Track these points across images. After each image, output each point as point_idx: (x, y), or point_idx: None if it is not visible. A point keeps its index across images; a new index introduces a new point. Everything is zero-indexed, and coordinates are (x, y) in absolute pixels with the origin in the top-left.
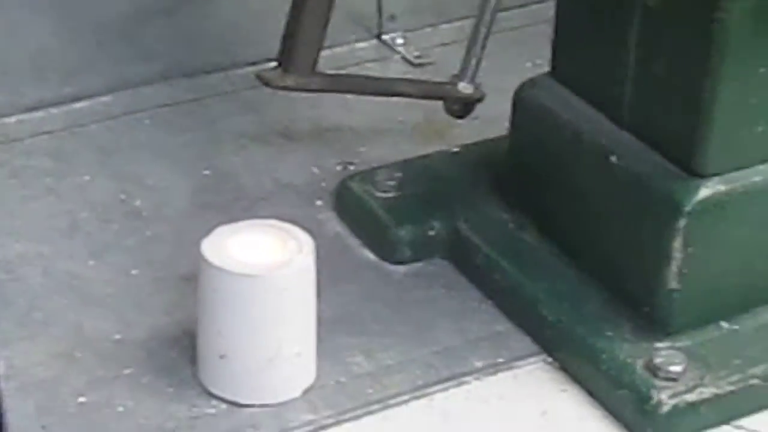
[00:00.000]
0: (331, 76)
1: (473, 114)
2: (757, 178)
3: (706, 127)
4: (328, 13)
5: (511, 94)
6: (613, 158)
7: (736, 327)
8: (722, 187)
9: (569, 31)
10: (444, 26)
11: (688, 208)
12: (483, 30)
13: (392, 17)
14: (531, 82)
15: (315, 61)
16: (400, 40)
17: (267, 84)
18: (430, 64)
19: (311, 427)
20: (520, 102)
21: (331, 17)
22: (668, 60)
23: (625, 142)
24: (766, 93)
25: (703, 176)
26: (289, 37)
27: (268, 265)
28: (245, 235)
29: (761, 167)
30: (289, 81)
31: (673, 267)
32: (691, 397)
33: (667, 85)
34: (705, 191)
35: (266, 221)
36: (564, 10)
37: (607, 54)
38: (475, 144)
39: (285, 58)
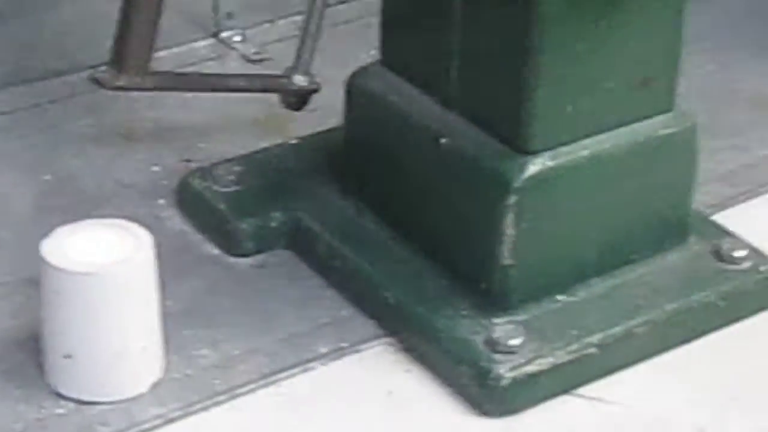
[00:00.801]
0: (166, 74)
1: (312, 106)
2: (583, 153)
3: (530, 104)
4: (158, 13)
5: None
6: (443, 140)
7: (572, 299)
8: (550, 163)
9: (395, 19)
10: (281, 22)
11: (517, 185)
12: (314, 23)
13: (229, 15)
14: (361, 71)
15: (148, 61)
16: (237, 38)
17: (101, 85)
18: (268, 59)
19: (160, 421)
20: (351, 90)
21: (161, 17)
22: (490, 41)
23: (454, 124)
24: (586, 69)
25: (530, 153)
26: (120, 37)
27: (106, 263)
28: (84, 235)
29: (587, 141)
30: (123, 81)
31: (506, 243)
32: (530, 368)
33: (490, 65)
34: (533, 168)
35: (104, 220)
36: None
37: (432, 39)
38: (314, 135)
39: (117, 59)
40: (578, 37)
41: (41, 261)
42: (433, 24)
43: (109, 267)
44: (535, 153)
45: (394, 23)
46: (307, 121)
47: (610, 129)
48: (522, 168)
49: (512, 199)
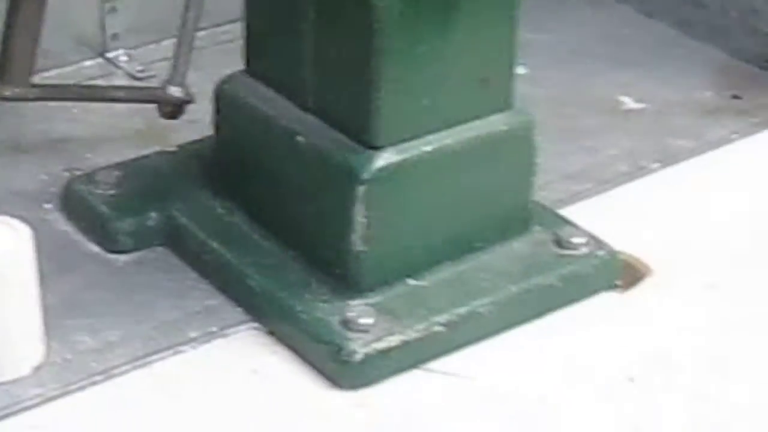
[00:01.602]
0: (48, 86)
1: (192, 117)
2: (427, 148)
3: (375, 104)
4: (39, 28)
5: None
6: (300, 138)
7: (422, 282)
8: (395, 157)
9: (256, 31)
10: (165, 42)
11: (365, 177)
12: (186, 38)
13: (115, 36)
14: (228, 78)
15: (30, 73)
16: (124, 58)
17: None
18: (152, 77)
19: (39, 399)
20: (218, 97)
21: (41, 32)
22: (338, 48)
23: (310, 124)
24: (428, 69)
25: (377, 148)
26: (3, 51)
27: None
28: None
29: (430, 137)
30: (7, 92)
31: (358, 231)
32: (381, 345)
33: (339, 70)
34: (380, 161)
35: None
36: (250, 12)
37: (288, 48)
38: (190, 142)
39: (1, 71)
40: (418, 41)
41: None
42: (289, 35)
43: None
44: (381, 148)
45: (255, 35)
46: (188, 131)
47: (452, 126)
48: (370, 162)
49: (361, 190)
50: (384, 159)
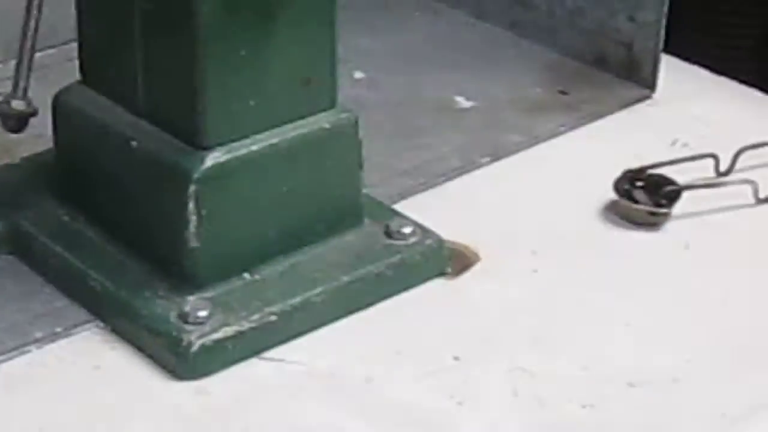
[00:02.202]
0: None
1: (39, 131)
2: (254, 147)
3: (201, 107)
4: None
5: None
6: (134, 143)
7: (256, 276)
8: (224, 157)
9: (88, 42)
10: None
11: (195, 176)
12: (27, 50)
13: None
14: (64, 89)
15: None
16: None
17: None
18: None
19: None
20: (56, 108)
21: None
22: (165, 53)
23: (143, 129)
24: (251, 72)
25: (206, 149)
26: None
27: None
28: None
29: (257, 137)
30: None
31: (191, 228)
32: (216, 336)
33: (167, 74)
34: (209, 161)
35: None
36: (82, 23)
37: (120, 56)
38: (36, 155)
39: None
40: (239, 46)
41: None
42: (120, 44)
43: None
44: (210, 149)
45: (88, 45)
46: (34, 144)
47: (277, 125)
48: (199, 162)
49: (192, 189)
50: (212, 159)
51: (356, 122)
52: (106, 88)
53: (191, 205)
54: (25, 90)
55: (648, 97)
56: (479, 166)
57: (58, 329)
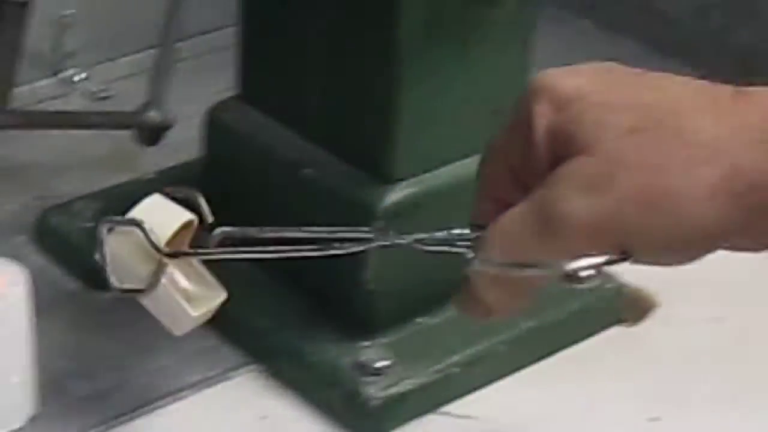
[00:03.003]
0: (24, 112)
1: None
2: (443, 179)
3: (392, 136)
4: (16, 55)
5: (193, 121)
6: (306, 171)
7: (433, 320)
8: (411, 190)
9: (255, 55)
10: (122, 60)
11: (380, 212)
12: (166, 58)
13: (70, 54)
14: (221, 105)
15: (6, 100)
16: (79, 76)
17: None
18: (110, 97)
19: None
20: (210, 125)
21: (19, 59)
22: (352, 78)
23: (315, 155)
24: (444, 102)
25: (392, 181)
26: None
27: None
28: None
29: (445, 169)
30: None
31: (370, 269)
32: (397, 389)
33: (352, 100)
34: (395, 195)
35: None
36: (248, 35)
37: (293, 73)
38: (168, 169)
39: None
40: (436, 71)
41: None
42: (294, 61)
43: None
44: (397, 181)
45: (254, 61)
46: (156, 156)
47: (466, 156)
48: (384, 196)
49: (376, 227)
50: (398, 193)
51: None
52: (271, 107)
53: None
54: (162, 101)
55: None
56: None
57: (214, 372)
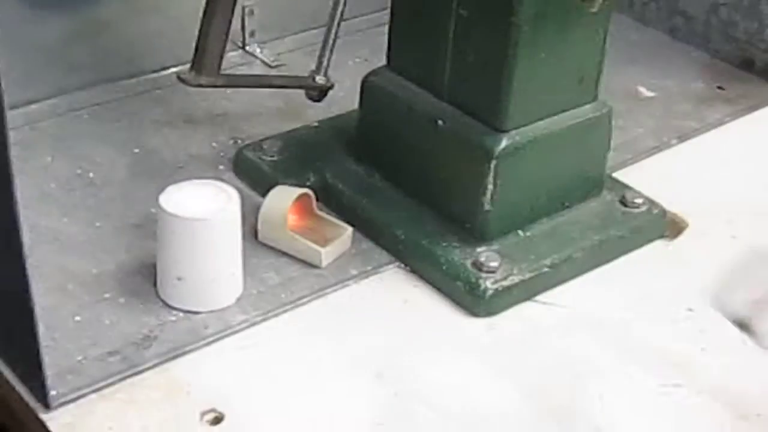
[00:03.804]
0: (229, 75)
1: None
2: (539, 131)
3: (504, 97)
4: (228, 29)
5: (344, 84)
6: (440, 122)
7: (528, 233)
8: (517, 138)
9: (400, 32)
10: (288, 38)
11: (496, 154)
12: (331, 36)
13: (252, 33)
14: (373, 72)
15: (220, 65)
16: (258, 50)
17: (185, 83)
18: (282, 65)
19: (246, 324)
20: (366, 87)
21: (230, 33)
22: (476, 51)
23: (448, 111)
24: (544, 72)
25: (503, 132)
26: (199, 47)
27: (208, 211)
28: (189, 191)
29: (541, 123)
30: (202, 80)
31: (487, 195)
32: (505, 282)
33: (476, 69)
34: (506, 141)
35: (203, 180)
36: (396, 16)
37: (430, 48)
38: (329, 119)
39: (198, 63)
40: (540, 50)
41: (160, 210)
42: (431, 39)
43: (210, 214)
44: (507, 132)
45: (400, 37)
46: (316, 109)
47: (556, 113)
48: (499, 142)
49: (493, 164)
50: (509, 140)
51: (611, 113)
52: (413, 74)
53: (490, 177)
54: (326, 68)
55: None
56: (670, 146)
57: (369, 267)
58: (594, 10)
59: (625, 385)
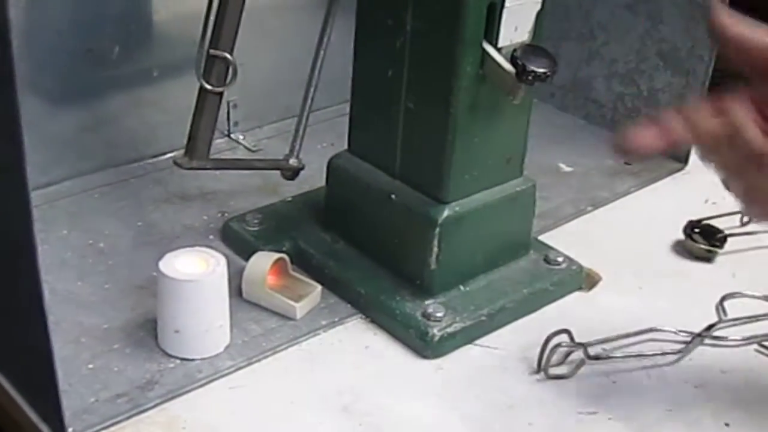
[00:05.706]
0: (217, 159)
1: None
2: (475, 203)
3: (445, 174)
4: (216, 120)
5: (313, 165)
6: (393, 196)
7: (468, 288)
8: (457, 209)
9: (359, 121)
10: (266, 127)
11: (440, 222)
12: (302, 123)
13: (236, 123)
14: (337, 155)
15: (209, 150)
16: (241, 137)
17: (180, 166)
18: (261, 150)
19: (233, 368)
20: (331, 167)
21: (217, 123)
22: (422, 137)
23: (399, 187)
24: (478, 152)
25: (446, 203)
26: (192, 136)
27: (200, 274)
28: (183, 257)
29: (477, 196)
30: (194, 164)
31: (433, 256)
32: (449, 329)
33: (422, 152)
34: (448, 211)
35: (194, 248)
36: (355, 108)
37: (383, 135)
38: (301, 194)
39: (190, 149)
40: (474, 135)
41: (159, 273)
42: (385, 127)
43: (202, 276)
44: (448, 203)
45: (357, 125)
46: (291, 186)
47: (489, 187)
48: (442, 212)
49: (437, 231)
50: (450, 210)
51: (535, 186)
52: (369, 156)
53: (435, 241)
54: (298, 151)
55: (682, 168)
56: (586, 212)
57: (335, 319)
58: (517, 102)
59: (549, 413)
